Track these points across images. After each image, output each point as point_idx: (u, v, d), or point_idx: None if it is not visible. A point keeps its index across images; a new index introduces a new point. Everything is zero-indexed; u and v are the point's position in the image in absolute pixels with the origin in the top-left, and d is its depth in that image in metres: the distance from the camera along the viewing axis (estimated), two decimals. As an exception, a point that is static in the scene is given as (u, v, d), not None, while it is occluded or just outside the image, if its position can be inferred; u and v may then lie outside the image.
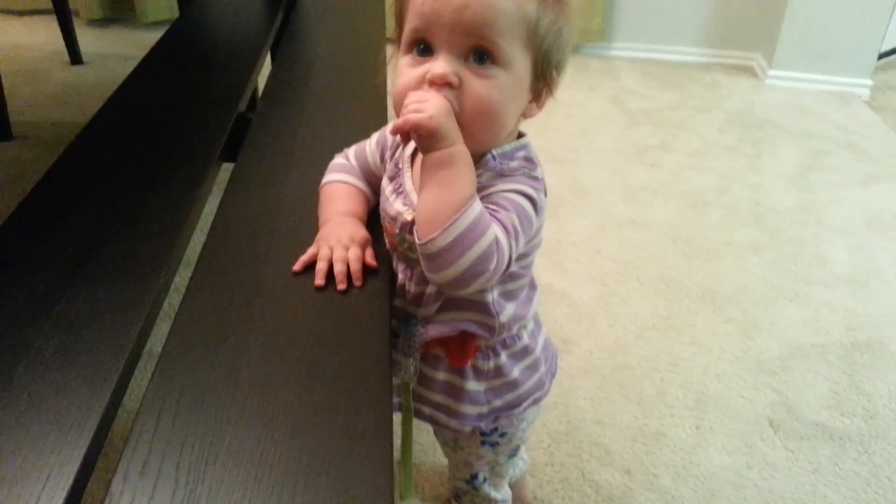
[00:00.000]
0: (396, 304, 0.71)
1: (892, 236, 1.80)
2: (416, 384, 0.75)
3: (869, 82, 2.63)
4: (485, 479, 0.88)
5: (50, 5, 2.49)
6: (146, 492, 0.47)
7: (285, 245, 0.73)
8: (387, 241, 0.72)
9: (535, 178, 0.64)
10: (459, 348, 0.70)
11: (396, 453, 0.67)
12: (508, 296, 0.69)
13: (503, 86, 0.59)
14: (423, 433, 1.13)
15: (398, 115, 0.59)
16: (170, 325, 0.63)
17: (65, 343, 0.61)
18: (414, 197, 0.66)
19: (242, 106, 1.16)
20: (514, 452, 0.85)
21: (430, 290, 0.68)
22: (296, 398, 0.55)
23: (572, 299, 1.53)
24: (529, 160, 0.65)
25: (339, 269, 0.67)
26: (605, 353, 1.39)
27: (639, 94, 2.58)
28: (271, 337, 0.61)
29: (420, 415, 0.78)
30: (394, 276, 0.72)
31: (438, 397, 0.75)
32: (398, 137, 0.60)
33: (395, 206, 0.68)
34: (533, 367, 0.76)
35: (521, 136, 0.67)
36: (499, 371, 0.73)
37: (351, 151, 0.79)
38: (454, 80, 0.58)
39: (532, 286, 0.73)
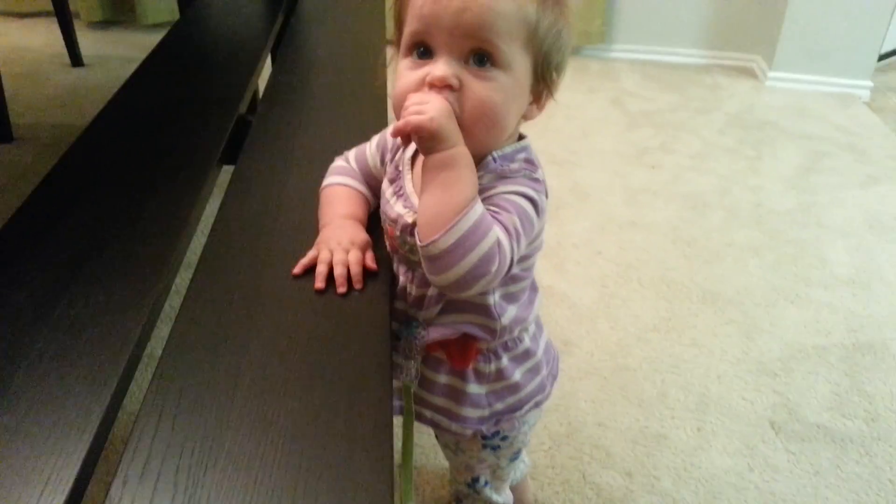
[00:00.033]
0: (397, 306, 0.71)
1: (892, 237, 1.80)
2: (417, 387, 0.74)
3: (869, 84, 2.63)
4: (486, 483, 0.88)
5: (50, 7, 2.50)
6: (145, 496, 0.47)
7: (285, 247, 0.73)
8: (387, 243, 0.72)
9: (536, 180, 0.64)
10: (461, 351, 0.70)
11: (397, 457, 0.67)
12: (510, 298, 0.69)
13: (503, 87, 0.59)
14: (424, 436, 1.12)
15: (398, 118, 0.59)
16: (170, 327, 0.62)
17: (65, 345, 0.61)
18: (414, 199, 0.66)
19: (243, 108, 1.16)
20: (515, 456, 0.85)
21: (431, 292, 0.68)
22: (296, 401, 0.55)
23: (573, 301, 1.53)
24: (530, 162, 0.65)
25: (339, 272, 0.67)
26: (606, 355, 1.39)
27: (639, 96, 2.58)
28: (271, 340, 0.61)
29: (421, 418, 0.77)
30: (395, 278, 0.71)
31: (439, 400, 0.75)
32: (398, 140, 0.60)
33: (395, 208, 0.67)
34: (534, 370, 0.76)
35: (521, 138, 0.67)
36: (500, 374, 0.73)
37: (351, 154, 0.79)
38: (454, 82, 0.58)
39: (533, 288, 0.73)
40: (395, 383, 0.71)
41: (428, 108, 0.57)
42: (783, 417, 1.26)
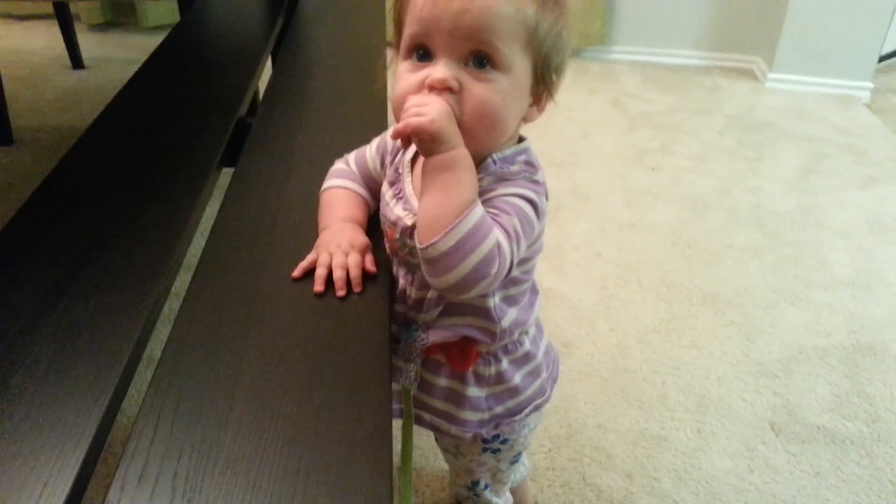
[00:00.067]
0: (397, 309, 0.71)
1: (892, 239, 1.80)
2: (417, 390, 0.74)
3: (869, 85, 2.63)
4: (486, 486, 0.88)
5: (51, 10, 2.50)
6: (143, 501, 0.47)
7: (285, 250, 0.73)
8: (387, 246, 0.72)
9: (536, 182, 0.64)
10: (460, 354, 0.70)
11: (396, 460, 0.66)
12: (510, 301, 0.69)
13: (503, 89, 0.59)
14: (424, 438, 1.12)
15: (398, 120, 0.59)
16: (169, 329, 0.62)
17: (64, 347, 0.61)
18: (414, 202, 0.66)
19: (243, 110, 1.16)
20: (515, 459, 0.85)
21: (430, 294, 0.68)
22: (295, 404, 0.54)
23: (573, 303, 1.53)
24: (530, 164, 0.65)
25: (338, 275, 0.67)
26: (606, 357, 1.38)
27: (639, 98, 2.59)
28: (271, 342, 0.61)
29: (421, 421, 0.77)
30: (394, 281, 0.71)
31: (439, 403, 0.75)
32: (398, 142, 0.60)
33: (395, 210, 0.67)
34: (534, 374, 0.76)
35: (521, 140, 0.67)
36: (500, 377, 0.73)
37: (351, 157, 0.79)
38: (454, 84, 0.58)
39: (534, 291, 0.73)
40: (395, 386, 0.71)
41: (428, 109, 0.56)
42: (783, 419, 1.26)
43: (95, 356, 0.60)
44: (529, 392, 0.76)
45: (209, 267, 0.72)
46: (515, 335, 0.72)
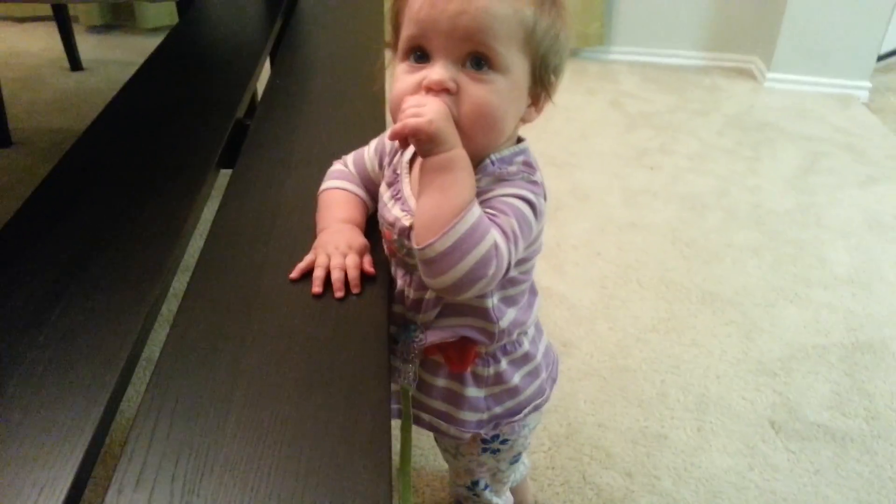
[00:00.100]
0: (395, 309, 0.71)
1: (891, 237, 1.80)
2: (416, 391, 0.74)
3: (868, 84, 2.63)
4: (486, 486, 0.88)
5: (50, 12, 2.50)
6: None
7: (283, 251, 0.73)
8: (385, 247, 0.72)
9: (535, 183, 0.64)
10: (459, 354, 0.70)
11: (395, 460, 0.66)
12: (509, 301, 0.69)
13: (501, 90, 0.59)
14: (424, 438, 1.12)
15: (396, 121, 0.59)
16: (167, 330, 0.62)
17: (61, 348, 0.61)
18: (412, 203, 0.66)
19: (241, 112, 1.16)
20: (515, 459, 0.85)
21: (429, 295, 0.68)
22: (293, 406, 0.54)
23: (572, 302, 1.53)
24: (528, 164, 0.65)
25: (336, 276, 0.67)
26: (606, 356, 1.38)
27: (638, 98, 2.59)
28: (269, 343, 0.61)
29: (420, 422, 0.77)
30: (392, 282, 0.71)
31: (438, 404, 0.75)
32: (396, 143, 0.60)
33: (393, 211, 0.67)
34: (534, 374, 0.76)
35: (520, 140, 0.67)
36: (499, 377, 0.73)
37: (349, 158, 0.79)
38: (451, 86, 0.58)
39: (533, 292, 0.73)
40: (394, 387, 0.71)
41: (426, 110, 0.56)
42: (783, 417, 1.26)
43: (93, 357, 0.60)
44: (528, 392, 0.76)
45: (208, 268, 0.72)
46: (514, 336, 0.71)
